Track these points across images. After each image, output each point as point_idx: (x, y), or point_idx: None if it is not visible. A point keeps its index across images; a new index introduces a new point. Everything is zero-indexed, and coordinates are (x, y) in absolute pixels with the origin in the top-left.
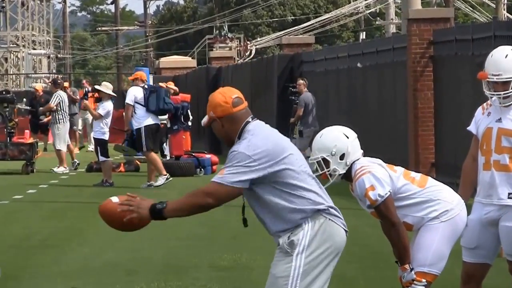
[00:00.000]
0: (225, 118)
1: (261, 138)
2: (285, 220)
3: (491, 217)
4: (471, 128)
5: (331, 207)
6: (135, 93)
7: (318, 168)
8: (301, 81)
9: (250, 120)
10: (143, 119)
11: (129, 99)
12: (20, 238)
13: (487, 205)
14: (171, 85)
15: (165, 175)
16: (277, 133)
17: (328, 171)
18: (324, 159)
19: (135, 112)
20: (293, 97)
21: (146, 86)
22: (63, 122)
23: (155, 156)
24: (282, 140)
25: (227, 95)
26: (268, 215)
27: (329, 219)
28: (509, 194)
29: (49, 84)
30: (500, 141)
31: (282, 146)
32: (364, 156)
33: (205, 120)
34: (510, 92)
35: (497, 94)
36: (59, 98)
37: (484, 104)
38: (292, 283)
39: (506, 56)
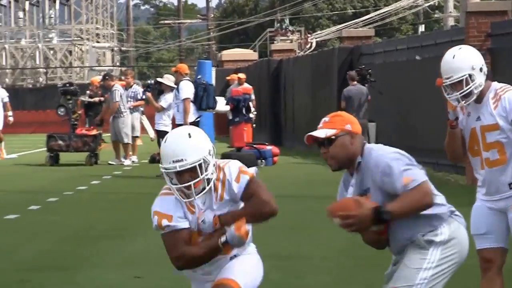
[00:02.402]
0: (357, 136)
1: (393, 149)
2: (421, 224)
3: (498, 208)
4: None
5: (457, 212)
6: (191, 88)
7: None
8: (352, 73)
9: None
10: (191, 115)
11: (189, 94)
12: (84, 228)
13: (490, 201)
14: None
15: None
16: None
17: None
18: (470, 75)
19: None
20: (369, 81)
21: (196, 81)
22: (127, 114)
23: None
24: None
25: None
26: (406, 220)
27: (459, 222)
28: (509, 184)
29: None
30: (485, 138)
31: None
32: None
33: (328, 132)
34: (466, 90)
35: (453, 96)
36: (119, 91)
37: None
38: (423, 275)
39: (453, 57)
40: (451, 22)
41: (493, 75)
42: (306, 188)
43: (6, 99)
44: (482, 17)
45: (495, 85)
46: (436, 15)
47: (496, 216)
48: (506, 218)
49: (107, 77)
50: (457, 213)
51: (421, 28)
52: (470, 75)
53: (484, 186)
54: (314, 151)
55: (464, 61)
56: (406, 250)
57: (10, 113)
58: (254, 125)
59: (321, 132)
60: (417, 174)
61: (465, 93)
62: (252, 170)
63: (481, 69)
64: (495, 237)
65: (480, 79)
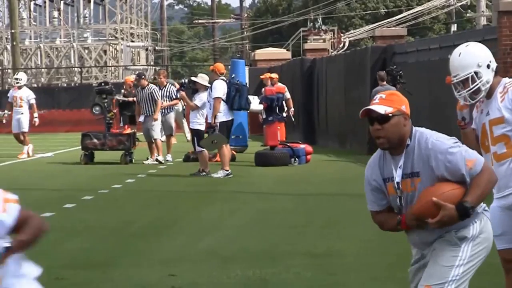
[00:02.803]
0: (408, 119)
1: (443, 135)
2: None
3: (509, 205)
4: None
5: (486, 207)
6: (224, 87)
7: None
8: (382, 73)
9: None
10: (222, 115)
11: (220, 94)
12: (119, 227)
13: (500, 198)
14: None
15: (227, 170)
16: None
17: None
18: (476, 73)
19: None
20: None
21: (230, 81)
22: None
23: (226, 151)
24: None
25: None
26: None
27: (487, 217)
28: None
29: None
30: (493, 132)
31: None
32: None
33: (387, 110)
34: (472, 87)
35: (462, 93)
36: (157, 91)
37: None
38: (455, 272)
39: (459, 55)
40: (483, 21)
41: None
42: (339, 186)
43: (33, 100)
44: None
45: (505, 80)
46: (468, 15)
47: (508, 216)
48: None
49: (142, 77)
50: (486, 208)
51: (454, 27)
52: (476, 73)
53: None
54: (347, 150)
55: (469, 58)
56: (435, 246)
57: (35, 114)
58: (294, 121)
59: (380, 108)
60: (475, 154)
61: (471, 90)
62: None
63: (488, 66)
64: (511, 237)
65: (487, 76)
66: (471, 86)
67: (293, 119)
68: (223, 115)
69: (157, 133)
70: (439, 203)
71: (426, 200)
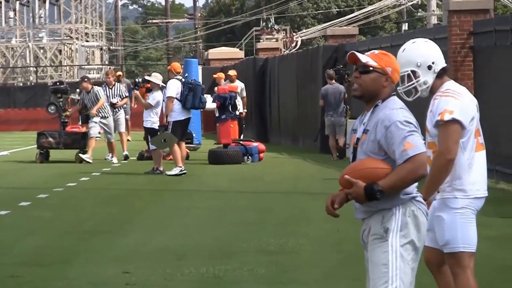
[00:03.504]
0: (392, 85)
1: (408, 112)
2: (391, 198)
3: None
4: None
5: (419, 195)
6: (177, 87)
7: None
8: (330, 72)
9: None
10: (176, 114)
11: (173, 93)
12: (74, 224)
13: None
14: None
15: (180, 167)
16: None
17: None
18: (413, 72)
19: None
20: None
21: (183, 80)
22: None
23: (177, 148)
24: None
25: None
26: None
27: (419, 208)
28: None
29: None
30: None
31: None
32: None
33: (370, 62)
34: (407, 86)
35: (397, 91)
36: (101, 90)
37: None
38: (392, 268)
39: (403, 51)
40: (434, 20)
41: (474, 73)
42: (292, 183)
43: None
44: (465, 15)
45: (447, 85)
46: (419, 14)
47: (435, 217)
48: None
49: (86, 80)
50: (418, 198)
51: (405, 26)
52: (413, 72)
53: None
54: (299, 147)
55: (410, 56)
56: (369, 243)
57: None
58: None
59: (365, 57)
60: (419, 143)
61: (406, 89)
62: None
63: (429, 67)
64: (433, 236)
65: (426, 77)
66: (406, 85)
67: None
68: (177, 114)
69: (96, 132)
70: (350, 180)
71: (348, 171)
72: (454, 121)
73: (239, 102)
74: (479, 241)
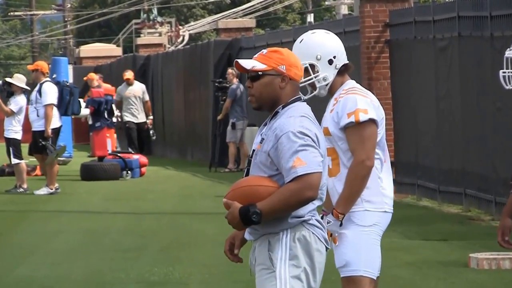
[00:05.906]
0: (291, 82)
1: (310, 122)
2: (278, 220)
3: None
4: None
5: (315, 217)
6: (55, 91)
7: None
8: (230, 71)
9: (301, 99)
10: (52, 122)
11: (53, 99)
12: None
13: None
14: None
15: (52, 188)
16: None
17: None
18: (311, 65)
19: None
20: (219, 93)
21: (61, 83)
22: None
23: (56, 165)
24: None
25: (300, 64)
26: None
27: (313, 232)
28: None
29: None
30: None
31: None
32: None
33: (257, 66)
34: (305, 81)
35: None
36: None
37: None
38: None
39: (300, 42)
40: (344, 10)
41: (391, 71)
42: (179, 202)
43: None
44: (380, 5)
45: (350, 83)
46: (327, 3)
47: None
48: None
49: None
50: (312, 220)
51: (310, 17)
52: (312, 65)
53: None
54: (188, 160)
55: (308, 48)
56: (256, 273)
57: None
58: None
59: (248, 63)
60: (313, 161)
61: (305, 83)
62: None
63: (330, 61)
64: None
65: (326, 72)
66: (303, 80)
67: (152, 133)
68: (56, 121)
69: None
70: (227, 203)
71: (230, 188)
72: (371, 121)
73: (140, 107)
74: (399, 267)
